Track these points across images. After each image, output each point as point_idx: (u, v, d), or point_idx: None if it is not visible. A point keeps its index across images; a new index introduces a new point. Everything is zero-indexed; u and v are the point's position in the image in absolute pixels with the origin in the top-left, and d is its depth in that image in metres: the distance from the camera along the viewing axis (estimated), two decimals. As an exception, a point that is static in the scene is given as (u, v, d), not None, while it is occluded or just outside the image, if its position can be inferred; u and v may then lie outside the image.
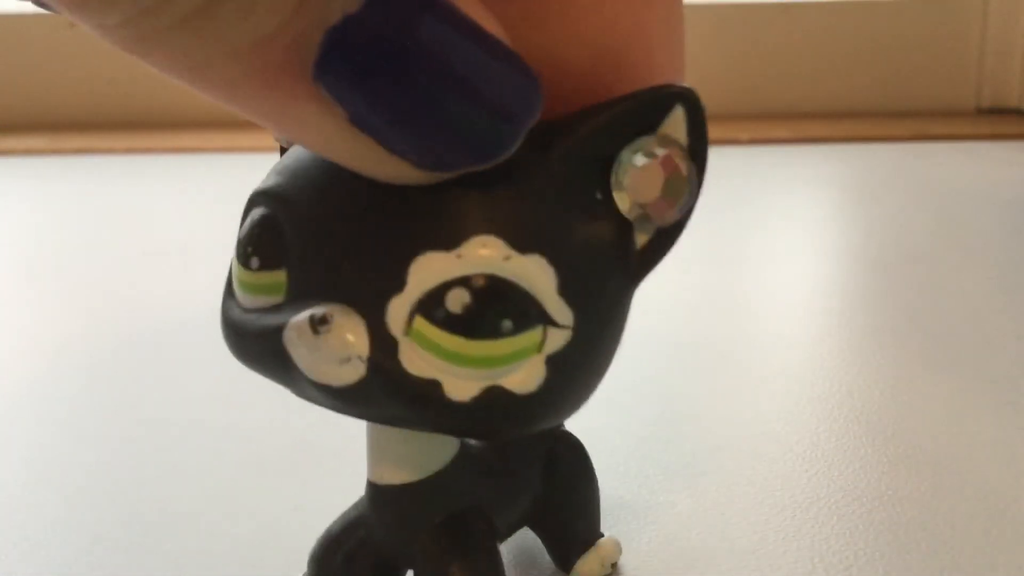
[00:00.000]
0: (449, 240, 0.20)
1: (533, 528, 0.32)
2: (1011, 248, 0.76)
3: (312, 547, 0.29)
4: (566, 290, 0.20)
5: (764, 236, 0.83)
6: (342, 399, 0.21)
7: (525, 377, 0.21)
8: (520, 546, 0.34)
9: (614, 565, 0.33)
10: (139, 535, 0.36)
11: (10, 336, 0.62)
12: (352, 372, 0.20)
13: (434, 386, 0.20)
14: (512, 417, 0.21)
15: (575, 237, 0.21)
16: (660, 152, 0.21)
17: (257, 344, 0.21)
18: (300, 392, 0.22)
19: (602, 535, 0.33)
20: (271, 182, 0.22)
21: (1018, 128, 1.24)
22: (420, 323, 0.20)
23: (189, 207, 0.94)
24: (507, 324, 0.20)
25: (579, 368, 0.22)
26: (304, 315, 0.20)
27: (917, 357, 0.54)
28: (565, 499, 0.31)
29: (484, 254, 0.20)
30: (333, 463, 0.41)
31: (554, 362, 0.21)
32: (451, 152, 0.18)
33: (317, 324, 0.19)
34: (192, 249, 0.77)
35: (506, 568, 0.30)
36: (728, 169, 1.13)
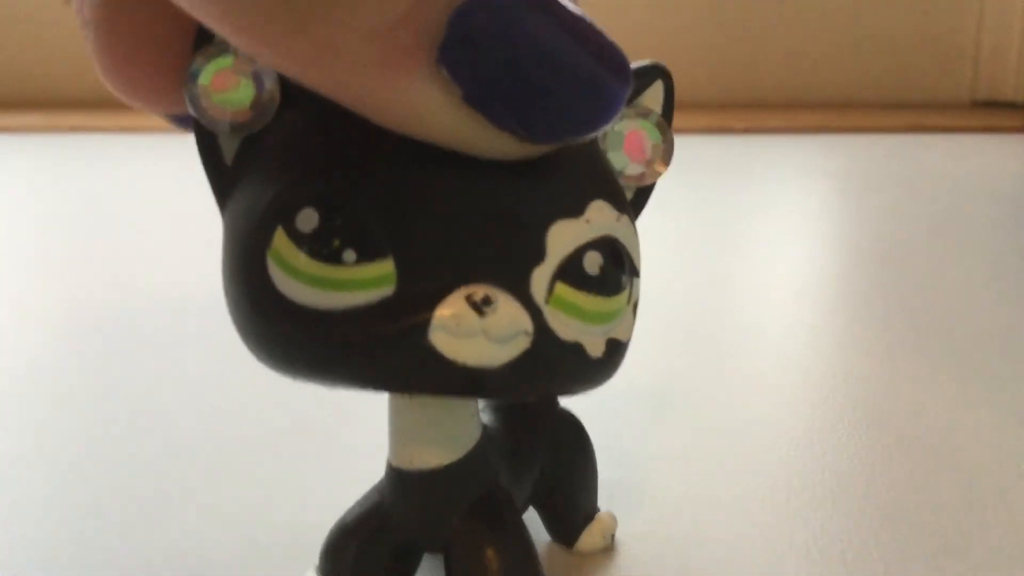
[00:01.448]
0: (575, 207, 0.21)
1: (536, 506, 0.32)
2: (1004, 239, 0.76)
3: (325, 539, 0.28)
4: (637, 244, 0.23)
5: (758, 225, 0.83)
6: (487, 380, 0.20)
7: (626, 326, 0.22)
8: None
9: (613, 537, 0.33)
10: (135, 514, 0.36)
11: (4, 312, 0.62)
12: (512, 350, 0.19)
13: (578, 348, 0.21)
14: (618, 364, 0.23)
15: (623, 196, 0.23)
16: (648, 120, 0.24)
17: (372, 347, 0.19)
18: (400, 387, 0.21)
19: (599, 509, 0.34)
20: (321, 172, 0.20)
21: (1013, 121, 1.25)
22: (562, 289, 0.20)
23: (186, 185, 0.93)
24: (624, 279, 0.22)
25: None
26: (458, 300, 0.19)
27: (911, 345, 0.54)
28: (567, 476, 0.32)
29: (605, 217, 0.21)
30: (334, 443, 0.41)
31: (634, 309, 0.23)
32: (556, 126, 0.19)
33: (481, 305, 0.19)
34: (190, 227, 0.77)
35: None
36: (723, 158, 1.13)
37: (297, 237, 0.20)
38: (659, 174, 0.24)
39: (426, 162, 0.20)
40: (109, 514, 0.36)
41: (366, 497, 0.28)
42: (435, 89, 0.18)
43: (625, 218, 0.22)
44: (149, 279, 0.67)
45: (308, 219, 0.20)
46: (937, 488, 0.38)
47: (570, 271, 0.20)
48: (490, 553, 0.25)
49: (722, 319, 0.60)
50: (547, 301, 0.20)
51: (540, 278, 0.20)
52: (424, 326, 0.19)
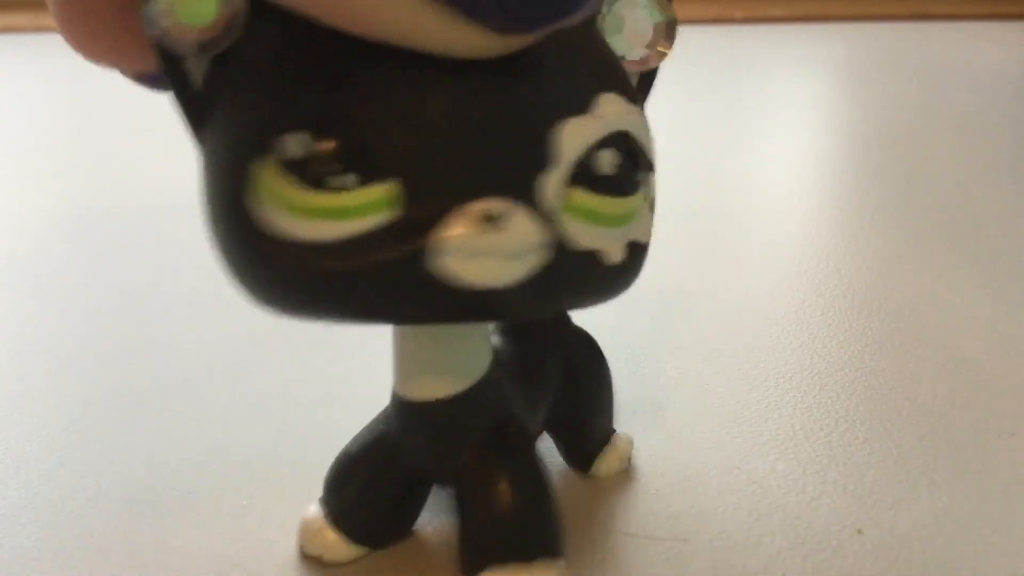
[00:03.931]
0: (583, 103, 0.19)
1: (550, 432, 0.31)
2: (1007, 128, 0.75)
3: (328, 471, 0.27)
4: (650, 135, 0.21)
5: (758, 117, 0.82)
6: (501, 301, 0.18)
7: (644, 226, 0.21)
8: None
9: (629, 460, 0.32)
10: (131, 404, 0.37)
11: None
12: (527, 265, 0.18)
13: (598, 256, 0.19)
14: (640, 267, 0.22)
15: (632, 84, 0.22)
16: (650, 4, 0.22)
17: (376, 277, 0.18)
18: (409, 318, 0.19)
19: (615, 431, 0.32)
20: (309, 91, 0.18)
21: (1018, 8, 1.22)
22: (577, 194, 0.19)
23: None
24: (640, 176, 0.20)
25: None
26: (468, 216, 0.17)
27: (905, 234, 0.54)
28: (583, 399, 0.30)
29: (617, 110, 0.19)
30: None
31: (651, 206, 0.22)
32: (526, 10, 0.17)
33: (496, 220, 0.17)
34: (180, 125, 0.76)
35: None
36: (722, 48, 1.11)
37: (288, 165, 0.18)
38: (663, 56, 0.22)
39: (416, 71, 0.18)
40: (102, 399, 0.36)
41: (371, 427, 0.26)
42: None
43: (636, 109, 0.20)
44: (143, 175, 0.67)
45: (299, 144, 0.18)
46: (926, 374, 0.38)
47: (585, 173, 0.19)
48: (503, 487, 0.24)
49: (717, 207, 0.59)
50: (563, 208, 0.19)
51: (553, 184, 0.18)
52: (432, 249, 0.18)
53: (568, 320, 0.30)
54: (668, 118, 0.78)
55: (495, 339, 0.27)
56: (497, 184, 0.18)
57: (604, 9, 0.21)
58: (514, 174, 0.18)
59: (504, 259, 0.18)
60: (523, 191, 0.18)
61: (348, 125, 0.18)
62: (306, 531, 0.27)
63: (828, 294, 0.46)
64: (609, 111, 0.19)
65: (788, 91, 0.92)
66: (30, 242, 0.55)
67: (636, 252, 0.21)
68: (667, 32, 0.22)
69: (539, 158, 0.18)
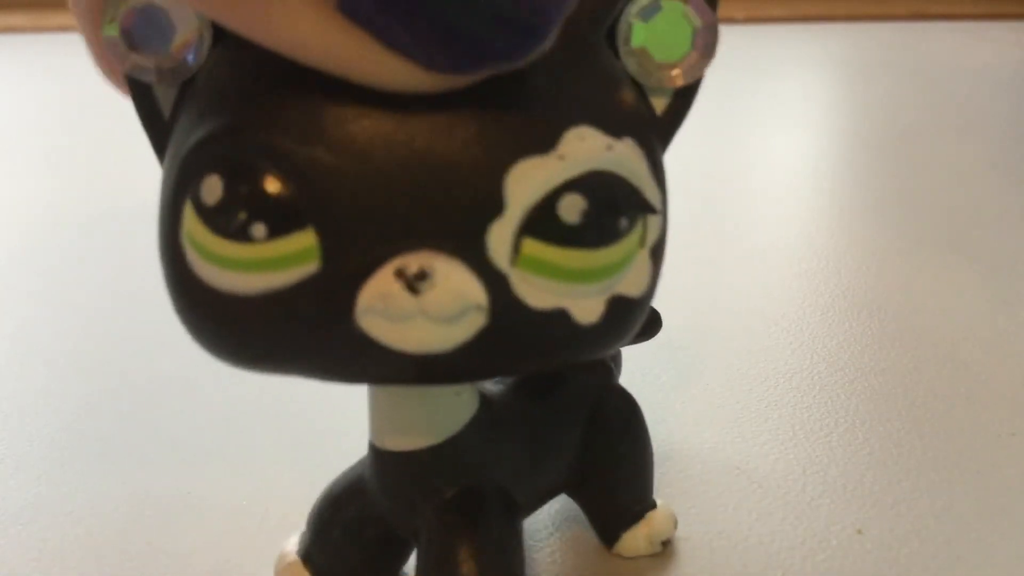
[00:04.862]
0: (544, 140, 0.16)
1: (572, 495, 0.27)
2: (1005, 128, 0.75)
3: (313, 508, 0.25)
4: (653, 170, 0.18)
5: (758, 115, 0.82)
6: (441, 366, 0.16)
7: (637, 277, 0.18)
8: (563, 513, 0.30)
9: (665, 543, 0.28)
10: (131, 403, 0.37)
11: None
12: (465, 329, 0.16)
13: (561, 316, 0.17)
14: (633, 323, 0.18)
15: (635, 111, 0.18)
16: (676, 5, 0.18)
17: (301, 336, 0.16)
18: (336, 378, 0.17)
19: (654, 504, 0.28)
20: (227, 127, 0.16)
21: (1018, 8, 1.22)
22: (531, 246, 0.16)
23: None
24: (623, 223, 0.17)
25: (665, 251, 0.19)
26: (386, 275, 0.15)
27: (906, 234, 0.54)
28: (611, 462, 0.27)
29: (588, 148, 0.16)
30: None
31: (655, 253, 0.18)
32: (470, 48, 0.14)
33: (414, 281, 0.15)
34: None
35: (544, 540, 0.28)
36: (722, 48, 1.11)
37: (203, 212, 0.16)
38: (700, 70, 0.18)
39: (347, 105, 0.16)
40: (101, 399, 0.36)
41: (355, 467, 0.25)
42: (328, 16, 0.14)
43: (624, 144, 0.17)
44: (140, 174, 0.67)
45: (212, 189, 0.16)
46: (926, 374, 0.38)
47: (541, 222, 0.16)
48: (461, 553, 0.21)
49: (718, 207, 0.59)
50: (514, 263, 0.16)
51: (500, 235, 0.16)
52: (350, 310, 0.16)
53: (606, 374, 0.27)
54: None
55: (496, 388, 0.25)
56: (431, 235, 0.15)
57: (622, 19, 0.18)
58: (452, 224, 0.15)
59: (435, 323, 0.15)
60: (462, 244, 0.15)
61: (255, 169, 0.16)
62: (281, 566, 0.25)
63: (828, 294, 0.46)
64: (575, 149, 0.16)
65: (788, 91, 0.92)
66: (30, 242, 0.55)
67: (622, 308, 0.18)
68: (704, 40, 0.18)
69: (483, 205, 0.16)
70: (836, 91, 0.93)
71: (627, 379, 0.36)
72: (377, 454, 0.22)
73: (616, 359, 0.29)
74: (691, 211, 0.59)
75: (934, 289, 0.46)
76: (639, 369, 0.38)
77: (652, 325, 0.26)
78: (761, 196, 0.63)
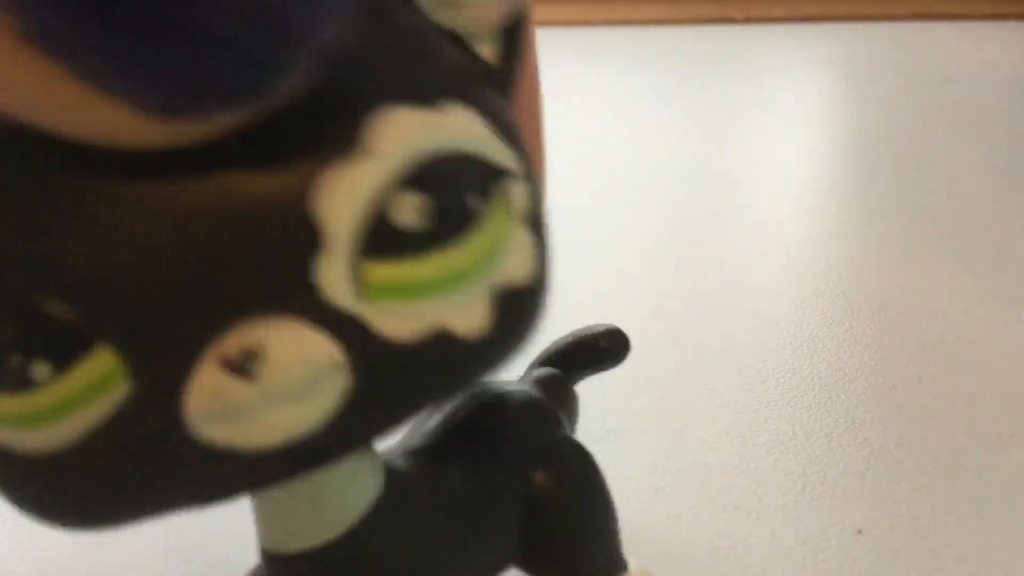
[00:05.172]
0: (342, 138, 0.13)
1: (525, 570, 0.23)
2: (1006, 129, 0.75)
3: None
4: (496, 127, 0.15)
5: (758, 115, 0.82)
6: (313, 448, 0.14)
7: (518, 257, 0.15)
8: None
9: None
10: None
11: None
12: (327, 397, 0.13)
13: (440, 338, 0.14)
14: (531, 314, 0.16)
15: (454, 69, 0.15)
16: None
17: (134, 476, 0.13)
18: (214, 497, 0.15)
19: (625, 566, 0.24)
20: None
21: (1017, 8, 1.22)
22: (377, 271, 0.13)
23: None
24: (475, 202, 0.14)
25: (546, 216, 0.16)
26: (210, 369, 0.12)
27: (906, 235, 0.54)
28: (566, 528, 0.23)
29: (404, 134, 0.14)
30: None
31: (533, 222, 0.15)
32: (193, 87, 0.12)
33: (243, 363, 0.12)
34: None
35: None
36: (723, 49, 1.11)
37: None
38: (501, 12, 0.16)
39: (96, 186, 0.13)
40: None
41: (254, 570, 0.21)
42: (14, 47, 0.11)
43: (447, 112, 0.14)
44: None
45: None
46: (926, 374, 0.38)
47: (377, 238, 0.13)
48: None
49: (718, 207, 0.59)
50: (362, 297, 0.13)
51: (331, 271, 0.13)
52: (181, 425, 0.13)
53: (543, 421, 0.23)
54: (668, 118, 0.78)
55: (405, 459, 0.21)
56: (245, 303, 0.12)
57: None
58: (264, 281, 0.13)
59: (287, 402, 0.13)
60: (286, 298, 0.13)
61: (12, 302, 0.13)
62: None
63: (828, 294, 0.46)
64: (391, 140, 0.13)
65: (788, 91, 0.92)
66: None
67: (511, 301, 0.15)
68: None
69: (293, 245, 0.13)
70: (836, 91, 0.93)
71: (627, 379, 0.36)
72: (268, 560, 0.19)
73: (569, 406, 0.25)
74: (690, 210, 0.59)
75: (934, 290, 0.46)
76: (639, 369, 0.38)
77: (619, 350, 0.24)
78: (761, 195, 0.63)
